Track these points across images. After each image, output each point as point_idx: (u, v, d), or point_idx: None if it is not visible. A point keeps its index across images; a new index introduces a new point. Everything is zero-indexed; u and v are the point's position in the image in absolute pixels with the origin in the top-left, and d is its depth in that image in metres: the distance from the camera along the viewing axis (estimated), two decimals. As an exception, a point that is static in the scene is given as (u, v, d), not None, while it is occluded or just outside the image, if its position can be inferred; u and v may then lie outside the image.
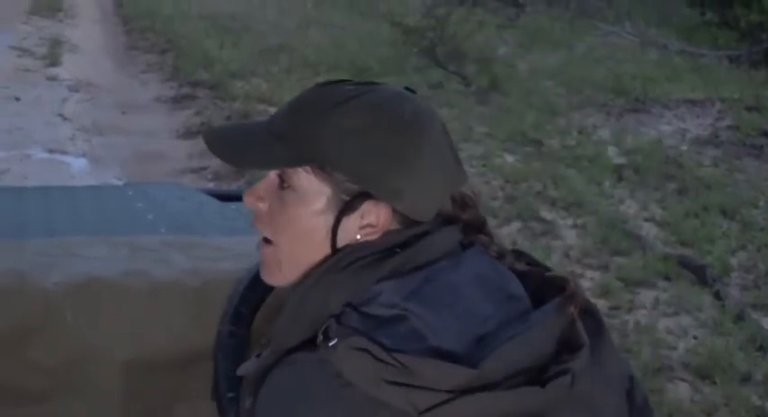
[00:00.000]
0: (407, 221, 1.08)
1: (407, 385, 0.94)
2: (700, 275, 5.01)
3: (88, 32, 12.73)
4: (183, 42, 11.45)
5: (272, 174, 1.13)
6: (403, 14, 11.17)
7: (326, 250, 1.09)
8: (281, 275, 1.14)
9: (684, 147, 7.71)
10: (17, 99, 8.54)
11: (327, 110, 1.09)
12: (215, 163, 6.91)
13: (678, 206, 6.15)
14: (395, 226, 1.08)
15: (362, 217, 1.07)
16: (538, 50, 11.54)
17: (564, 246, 5.43)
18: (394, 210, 1.07)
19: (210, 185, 6.24)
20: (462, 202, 1.13)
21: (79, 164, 6.81)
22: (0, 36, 11.32)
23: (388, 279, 1.05)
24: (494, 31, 12.39)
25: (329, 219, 1.09)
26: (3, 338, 1.38)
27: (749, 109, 8.75)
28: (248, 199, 1.15)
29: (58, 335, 1.41)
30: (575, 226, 5.77)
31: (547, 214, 5.95)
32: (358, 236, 1.08)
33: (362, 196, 1.07)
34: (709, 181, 6.70)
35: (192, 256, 1.59)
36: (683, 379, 4.02)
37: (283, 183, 1.11)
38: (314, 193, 1.09)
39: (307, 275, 1.09)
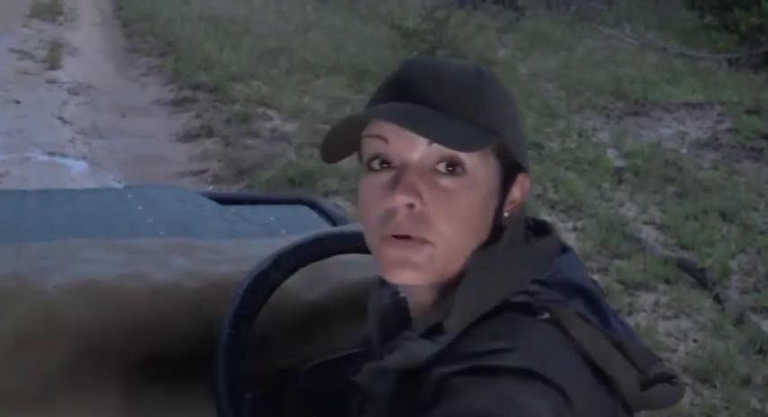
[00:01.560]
0: None
1: (629, 362, 0.98)
2: (699, 278, 5.01)
3: (88, 35, 12.73)
4: (183, 45, 11.46)
5: (428, 162, 1.00)
6: (402, 17, 11.20)
7: (484, 235, 1.03)
8: (433, 276, 1.02)
9: (684, 150, 7.71)
10: (17, 102, 8.55)
11: (475, 84, 1.03)
12: (215, 165, 6.92)
13: (678, 209, 6.15)
14: None
15: (514, 192, 1.05)
16: (538, 53, 11.55)
17: (564, 249, 5.42)
18: None
19: (210, 188, 6.23)
20: None
21: (79, 166, 6.80)
22: (0, 39, 11.32)
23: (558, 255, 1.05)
24: (493, 34, 12.40)
25: (494, 200, 1.03)
26: (2, 341, 1.38)
27: (749, 112, 8.76)
28: (406, 198, 0.99)
29: (57, 338, 1.40)
30: (574, 228, 5.77)
31: (547, 217, 5.94)
32: (506, 213, 1.04)
33: (517, 169, 1.05)
34: (708, 184, 6.70)
35: (192, 259, 1.59)
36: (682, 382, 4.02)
37: (454, 169, 1.00)
38: (486, 175, 1.02)
39: (483, 254, 1.01)
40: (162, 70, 10.49)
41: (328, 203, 2.86)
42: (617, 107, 9.00)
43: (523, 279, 1.00)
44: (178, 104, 8.93)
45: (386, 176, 1.01)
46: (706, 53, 11.42)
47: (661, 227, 5.91)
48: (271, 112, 8.46)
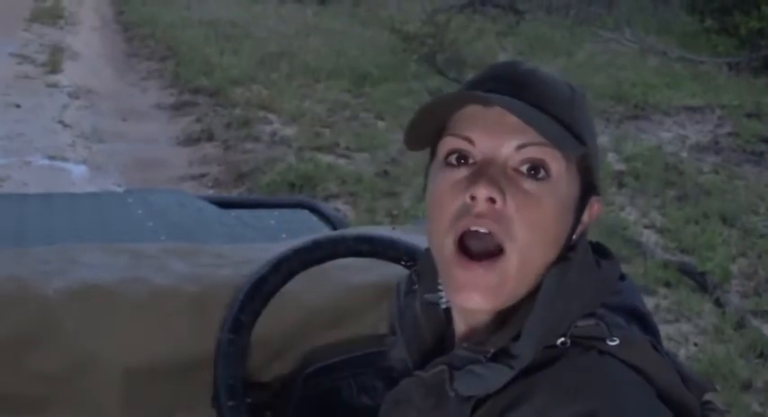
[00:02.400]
0: None
1: (695, 388, 0.99)
2: (700, 282, 5.00)
3: (89, 39, 12.74)
4: (183, 49, 11.46)
5: (512, 162, 0.96)
6: (403, 21, 11.19)
7: (554, 253, 0.98)
8: (506, 296, 0.98)
9: (684, 154, 7.71)
10: (17, 106, 8.54)
11: (567, 94, 1.01)
12: (215, 169, 6.92)
13: (678, 213, 6.15)
14: None
15: (585, 214, 1.02)
16: (538, 57, 11.54)
17: (564, 253, 5.43)
18: None
19: (210, 192, 6.23)
20: None
21: (79, 170, 6.80)
22: (0, 43, 11.32)
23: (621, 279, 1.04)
24: (494, 38, 12.40)
25: (570, 216, 0.99)
26: (2, 345, 1.38)
27: (749, 115, 8.76)
28: (488, 191, 0.94)
29: (57, 342, 1.40)
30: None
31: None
32: (575, 235, 1.01)
33: (592, 190, 1.02)
34: (709, 187, 6.70)
35: (192, 263, 1.58)
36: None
37: (539, 172, 0.96)
38: (568, 185, 0.98)
39: (553, 273, 0.97)
40: (162, 74, 10.50)
41: (328, 207, 2.86)
42: (617, 111, 9.00)
43: (594, 304, 0.98)
44: (178, 108, 8.93)
45: (465, 171, 0.97)
46: (706, 57, 11.42)
47: (661, 231, 5.90)
48: (271, 116, 8.46)
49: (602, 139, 7.99)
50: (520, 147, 0.96)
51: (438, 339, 1.10)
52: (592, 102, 9.07)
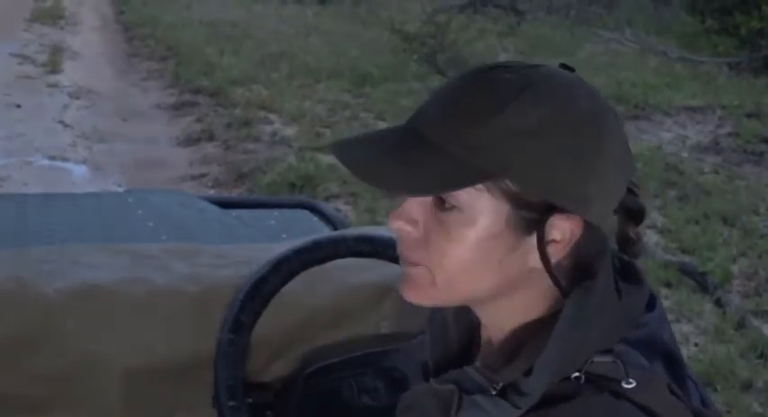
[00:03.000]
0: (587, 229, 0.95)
1: None
2: (701, 282, 5.00)
3: (89, 40, 12.74)
4: (183, 49, 11.46)
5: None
6: (403, 22, 11.19)
7: (498, 276, 0.94)
8: (433, 293, 0.97)
9: (685, 154, 7.71)
10: (18, 106, 8.55)
11: (493, 109, 0.90)
12: (215, 170, 6.92)
13: (679, 213, 6.15)
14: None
15: (547, 234, 0.93)
16: (538, 58, 11.53)
17: (565, 253, 5.43)
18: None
19: (211, 192, 6.24)
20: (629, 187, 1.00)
21: (80, 170, 6.81)
22: (1, 43, 11.33)
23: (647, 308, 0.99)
24: (494, 39, 12.40)
25: (507, 240, 0.93)
26: (2, 345, 1.38)
27: (749, 116, 8.76)
28: (396, 224, 0.96)
29: (58, 343, 1.40)
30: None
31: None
32: (553, 259, 0.94)
33: (549, 209, 0.92)
34: (709, 188, 6.70)
35: (193, 263, 1.59)
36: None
37: (444, 203, 0.93)
38: (487, 212, 0.92)
39: (574, 303, 0.93)
40: (163, 74, 10.50)
41: (329, 207, 2.86)
42: (617, 111, 8.95)
43: (612, 339, 0.93)
44: (179, 108, 8.93)
45: (400, 200, 0.98)
46: (706, 57, 11.42)
47: (662, 231, 5.90)
48: (271, 116, 8.46)
49: (603, 139, 7.99)
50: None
51: (465, 344, 1.08)
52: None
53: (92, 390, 1.42)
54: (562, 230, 0.93)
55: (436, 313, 1.11)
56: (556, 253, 0.94)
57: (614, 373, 0.91)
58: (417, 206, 0.94)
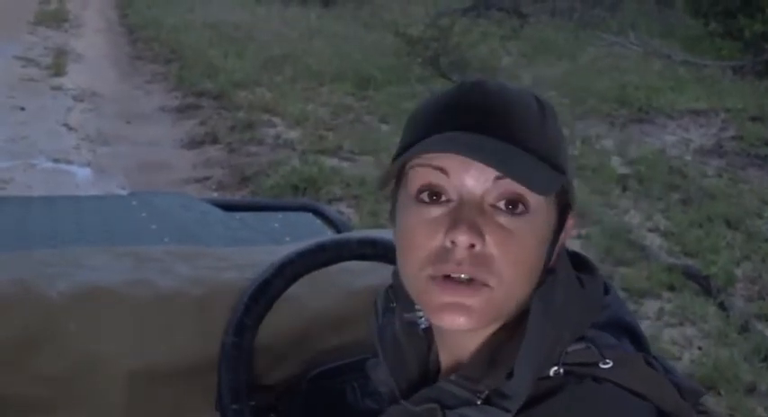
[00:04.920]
0: None
1: (689, 395, 0.96)
2: (704, 285, 5.01)
3: (93, 42, 12.76)
4: (187, 52, 11.48)
5: (489, 198, 0.93)
6: (407, 25, 11.21)
7: (537, 278, 0.95)
8: (488, 322, 0.95)
9: (688, 157, 7.71)
10: (22, 109, 8.57)
11: (540, 112, 0.96)
12: (219, 172, 6.93)
13: (682, 216, 6.15)
14: None
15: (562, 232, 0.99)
16: (542, 61, 11.55)
17: (568, 256, 5.43)
18: None
19: (214, 195, 6.25)
20: None
21: (84, 173, 6.83)
22: (5, 46, 11.35)
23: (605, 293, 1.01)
24: (497, 42, 12.41)
25: (548, 240, 0.96)
26: (6, 348, 1.38)
27: (753, 119, 8.76)
28: (469, 239, 0.91)
29: (61, 345, 1.40)
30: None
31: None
32: (552, 257, 0.99)
33: (567, 207, 0.99)
34: (713, 191, 6.71)
35: (196, 266, 1.58)
36: (687, 390, 4.02)
37: (516, 207, 0.93)
38: (545, 214, 0.95)
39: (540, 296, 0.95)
40: (166, 77, 10.52)
41: (332, 210, 2.87)
42: (621, 114, 9.01)
43: (583, 326, 0.96)
44: (182, 111, 8.95)
45: (438, 210, 0.93)
46: (710, 60, 11.42)
47: (665, 235, 5.91)
48: (275, 119, 8.47)
49: (607, 143, 8.01)
50: (497, 179, 0.92)
51: (422, 363, 1.07)
52: (596, 105, 9.15)
53: (94, 392, 1.42)
54: (568, 228, 0.99)
55: (385, 331, 1.09)
56: (557, 253, 0.99)
57: (590, 357, 0.92)
58: (480, 216, 0.92)
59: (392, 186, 1.01)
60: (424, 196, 0.94)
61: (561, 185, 0.95)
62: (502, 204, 0.92)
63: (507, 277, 0.92)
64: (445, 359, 1.03)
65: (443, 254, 0.92)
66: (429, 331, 1.06)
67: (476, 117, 0.93)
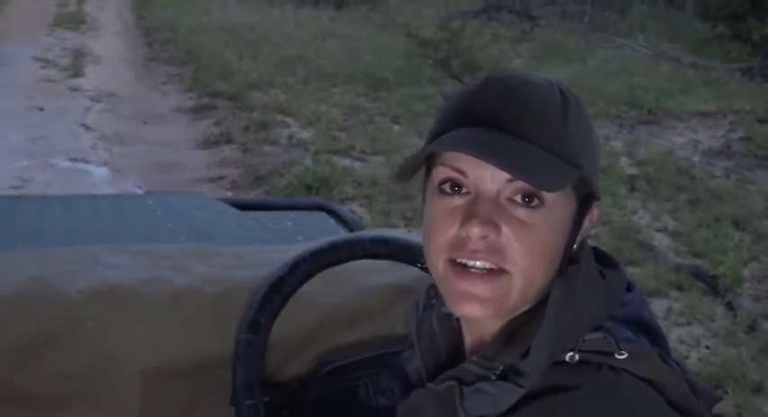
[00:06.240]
0: None
1: (704, 398, 0.99)
2: (712, 285, 5.03)
3: (110, 44, 12.78)
4: (202, 54, 11.51)
5: (505, 193, 0.96)
6: (418, 27, 11.22)
7: (557, 265, 0.99)
8: (505, 310, 0.99)
9: (696, 159, 7.72)
10: (41, 109, 8.61)
11: (563, 106, 0.98)
12: (233, 172, 6.97)
13: (690, 217, 6.16)
14: None
15: (584, 221, 1.02)
16: (552, 63, 11.55)
17: (577, 257, 5.45)
18: None
19: (229, 194, 6.27)
20: None
21: (101, 173, 6.86)
22: (24, 48, 11.40)
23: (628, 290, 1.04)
24: (508, 44, 12.43)
25: (569, 231, 0.99)
26: (25, 344, 1.40)
27: (761, 121, 8.76)
28: (482, 231, 0.95)
29: (79, 342, 1.42)
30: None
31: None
32: (575, 245, 1.01)
33: (591, 198, 1.02)
34: (721, 192, 6.71)
35: (211, 265, 1.60)
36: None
37: (532, 200, 0.96)
38: (563, 206, 0.98)
39: (560, 286, 0.98)
40: (182, 78, 10.55)
41: (344, 209, 2.88)
42: (630, 116, 9.02)
43: (601, 317, 0.98)
44: (198, 112, 8.98)
45: (458, 201, 0.98)
46: (718, 63, 11.41)
47: (673, 235, 5.92)
48: (288, 120, 8.50)
49: (616, 144, 8.02)
50: (511, 180, 0.96)
51: (453, 350, 1.11)
52: (605, 107, 9.16)
53: (111, 388, 1.43)
54: (592, 217, 1.02)
55: (423, 325, 1.14)
56: (583, 240, 1.02)
57: (606, 347, 0.96)
58: (495, 208, 0.96)
59: (422, 179, 1.06)
60: (446, 187, 0.99)
61: (578, 177, 0.97)
62: (519, 198, 0.96)
63: (524, 264, 0.95)
64: (469, 343, 1.07)
65: (460, 243, 0.97)
66: (461, 322, 1.11)
67: (494, 113, 0.97)
